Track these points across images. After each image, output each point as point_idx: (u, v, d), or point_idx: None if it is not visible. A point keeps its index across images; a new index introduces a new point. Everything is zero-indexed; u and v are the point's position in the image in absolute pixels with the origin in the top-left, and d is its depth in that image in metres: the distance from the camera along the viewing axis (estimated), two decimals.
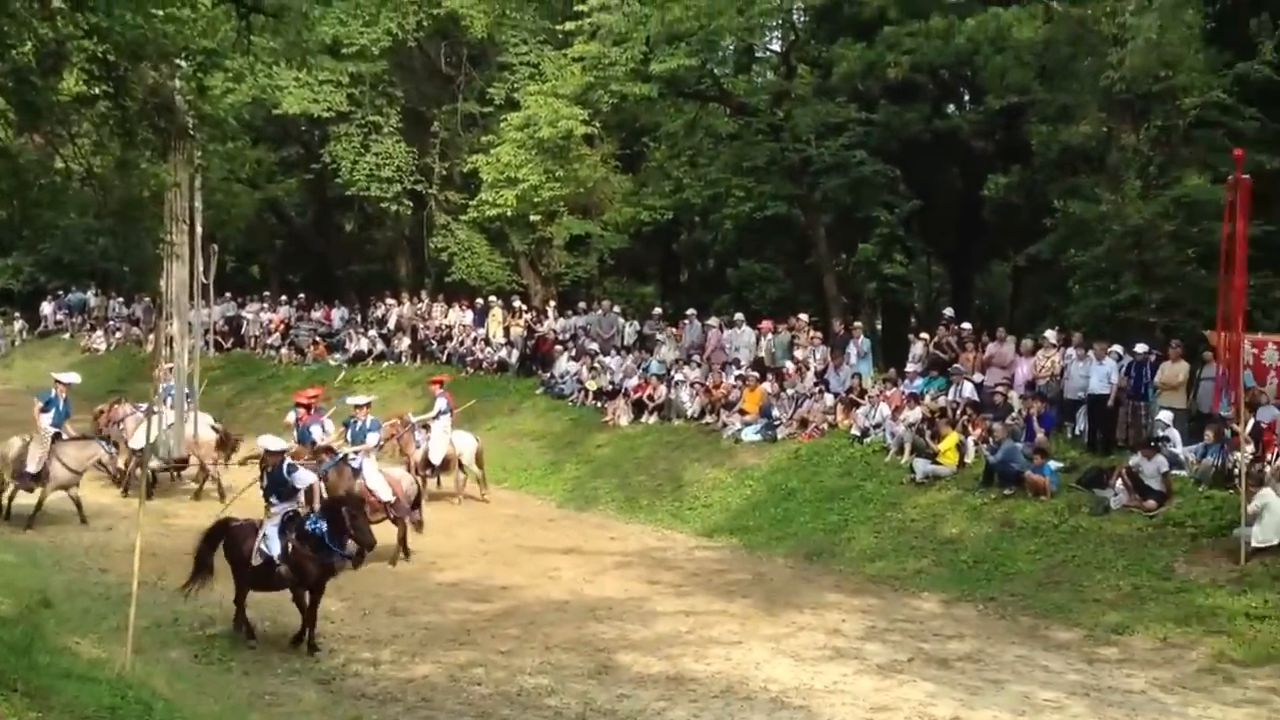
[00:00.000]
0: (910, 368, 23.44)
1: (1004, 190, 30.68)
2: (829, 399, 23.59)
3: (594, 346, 29.05)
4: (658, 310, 31.06)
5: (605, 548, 20.21)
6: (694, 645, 14.57)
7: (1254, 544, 15.69)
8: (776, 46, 33.55)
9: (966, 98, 33.27)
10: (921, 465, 20.45)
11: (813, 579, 18.20)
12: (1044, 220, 26.06)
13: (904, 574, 18.01)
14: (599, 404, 27.40)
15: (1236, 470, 16.55)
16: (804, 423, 23.34)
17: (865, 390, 23.20)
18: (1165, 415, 18.95)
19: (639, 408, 26.48)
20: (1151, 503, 17.51)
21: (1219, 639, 14.36)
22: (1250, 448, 16.76)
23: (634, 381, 27.07)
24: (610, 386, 27.53)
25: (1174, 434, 18.76)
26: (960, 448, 20.45)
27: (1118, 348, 20.37)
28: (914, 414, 21.47)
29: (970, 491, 19.61)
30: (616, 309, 31.10)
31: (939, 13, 27.39)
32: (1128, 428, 19.72)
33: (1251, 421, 17.36)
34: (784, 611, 16.16)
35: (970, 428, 20.86)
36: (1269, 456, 17.14)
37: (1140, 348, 19.96)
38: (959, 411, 21.34)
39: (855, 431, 22.55)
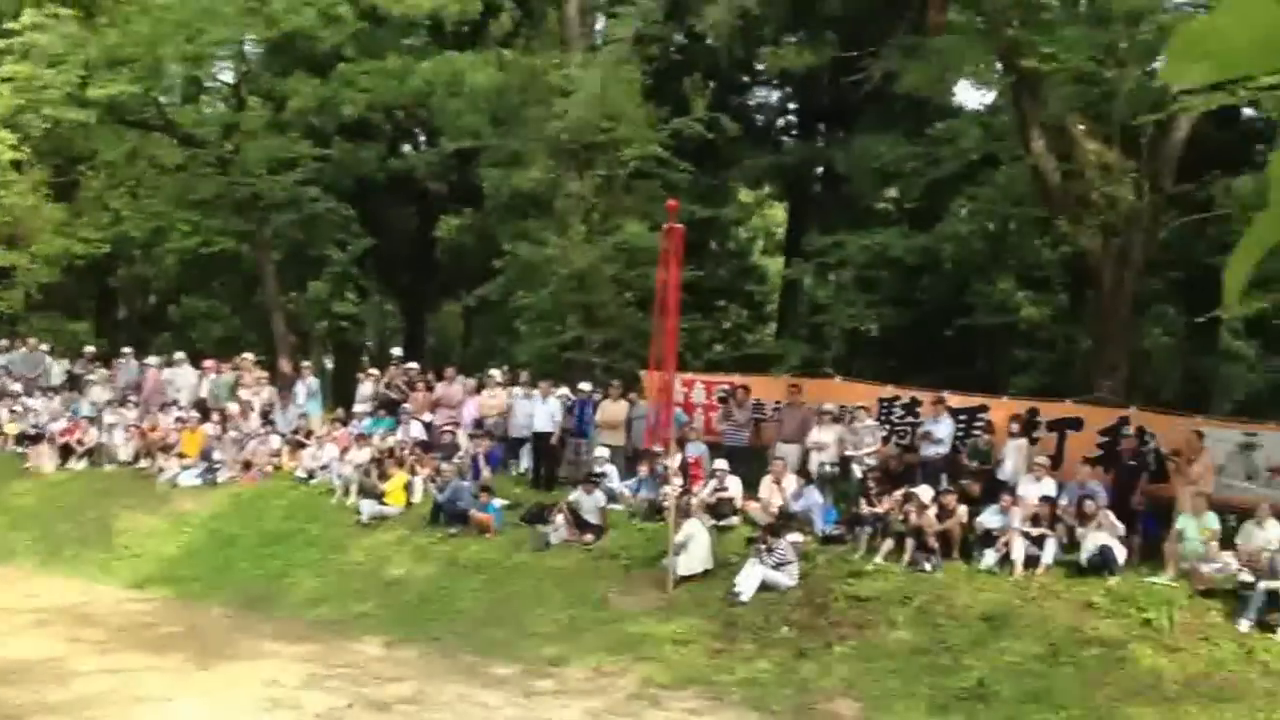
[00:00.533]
0: (359, 408, 23.18)
1: (456, 231, 31.16)
2: (275, 440, 22.86)
3: (16, 387, 26.86)
4: (90, 348, 29.16)
5: (20, 605, 18.41)
6: (118, 705, 13.47)
7: (680, 573, 16.49)
8: (228, 77, 32.27)
9: (422, 139, 33.45)
10: (368, 506, 20.07)
11: (251, 627, 17.36)
12: (494, 262, 26.54)
13: (347, 618, 17.54)
14: (20, 449, 25.10)
15: (666, 503, 17.31)
16: (248, 465, 22.46)
17: (313, 431, 22.66)
18: (604, 451, 19.70)
19: (66, 452, 24.46)
20: (590, 536, 18.05)
21: (647, 664, 14.88)
22: (679, 481, 17.59)
23: (61, 424, 25.00)
24: (34, 430, 25.26)
25: (612, 469, 19.52)
26: (408, 488, 20.32)
27: (565, 390, 20.92)
28: (362, 454, 21.13)
29: (417, 531, 19.47)
30: (44, 347, 28.85)
31: (395, 53, 27.44)
32: (570, 464, 20.27)
33: (680, 456, 18.25)
34: (219, 664, 15.30)
35: (418, 467, 20.73)
36: (695, 489, 18.10)
37: (584, 386, 20.62)
38: (407, 451, 21.17)
39: (301, 473, 21.95)
